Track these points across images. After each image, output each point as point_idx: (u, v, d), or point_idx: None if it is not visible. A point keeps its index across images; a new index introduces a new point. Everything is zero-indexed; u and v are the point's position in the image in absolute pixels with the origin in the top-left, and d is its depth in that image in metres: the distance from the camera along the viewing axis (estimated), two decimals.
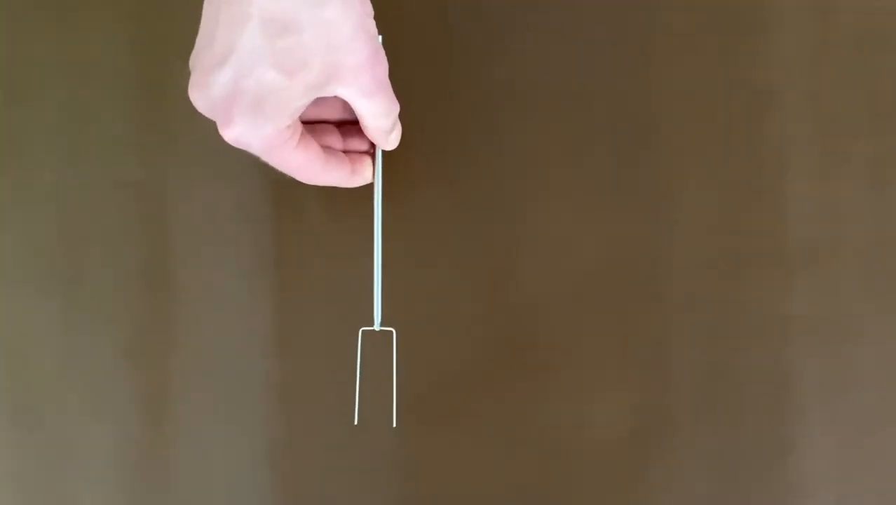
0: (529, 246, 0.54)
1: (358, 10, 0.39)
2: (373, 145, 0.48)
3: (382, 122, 0.44)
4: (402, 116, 0.48)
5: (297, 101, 0.39)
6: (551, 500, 0.53)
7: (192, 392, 0.54)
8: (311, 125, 0.47)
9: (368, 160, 0.47)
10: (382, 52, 0.42)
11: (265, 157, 0.42)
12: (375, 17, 0.43)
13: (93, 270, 0.55)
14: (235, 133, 0.39)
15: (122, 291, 0.54)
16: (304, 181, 0.45)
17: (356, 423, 0.51)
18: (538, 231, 0.54)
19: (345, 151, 0.48)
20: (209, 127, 0.54)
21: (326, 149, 0.45)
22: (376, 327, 0.51)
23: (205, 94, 0.39)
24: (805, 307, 0.53)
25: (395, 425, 0.51)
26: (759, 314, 0.53)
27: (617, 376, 0.53)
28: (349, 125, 0.47)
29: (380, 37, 0.44)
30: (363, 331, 0.51)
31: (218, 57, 0.38)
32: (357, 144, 0.47)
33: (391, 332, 0.51)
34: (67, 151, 0.55)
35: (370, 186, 0.51)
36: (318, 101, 0.42)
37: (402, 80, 0.48)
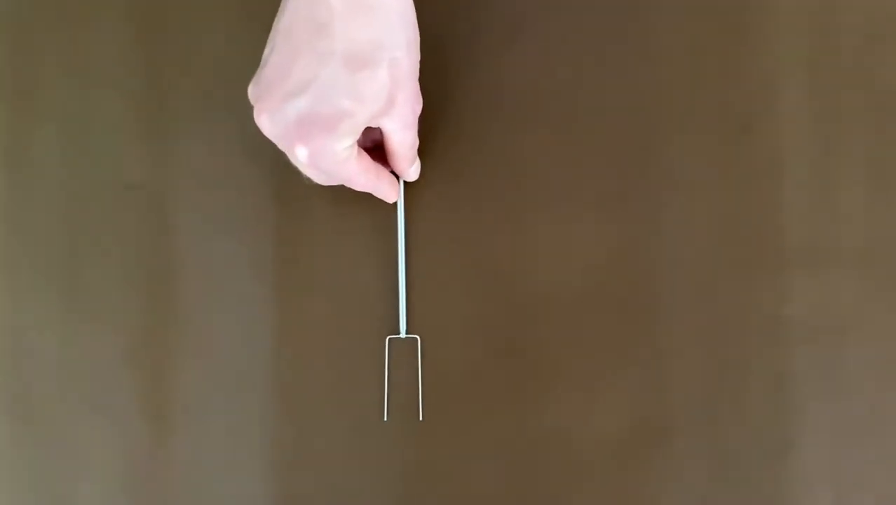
0: (530, 250, 0.54)
1: (415, 54, 0.47)
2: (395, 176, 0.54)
3: (408, 153, 0.51)
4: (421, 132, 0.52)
5: (362, 126, 0.46)
6: (552, 498, 0.53)
7: (194, 393, 0.54)
8: None
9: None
10: (420, 95, 0.48)
11: (330, 171, 0.48)
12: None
13: (95, 270, 0.55)
14: (310, 149, 0.46)
15: (124, 292, 0.55)
16: (358, 188, 0.51)
17: (385, 419, 0.54)
18: (538, 235, 0.54)
19: None
20: (212, 129, 0.55)
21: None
22: (402, 335, 0.53)
23: (277, 119, 0.45)
24: (803, 308, 0.53)
25: (421, 419, 0.54)
26: (758, 315, 0.53)
27: (617, 377, 0.53)
28: (369, 152, 0.52)
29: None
30: (390, 339, 0.54)
31: (294, 86, 0.45)
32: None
33: (416, 339, 0.54)
34: (70, 153, 0.56)
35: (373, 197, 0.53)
36: None
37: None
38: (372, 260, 0.54)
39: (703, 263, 0.53)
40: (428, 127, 0.53)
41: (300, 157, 0.46)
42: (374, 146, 0.52)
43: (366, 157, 0.49)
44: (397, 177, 0.53)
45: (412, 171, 0.53)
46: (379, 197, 0.53)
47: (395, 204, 0.54)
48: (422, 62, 0.48)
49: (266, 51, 0.46)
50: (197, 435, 0.54)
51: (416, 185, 0.54)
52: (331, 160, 0.47)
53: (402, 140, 0.49)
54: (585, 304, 0.54)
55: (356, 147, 0.48)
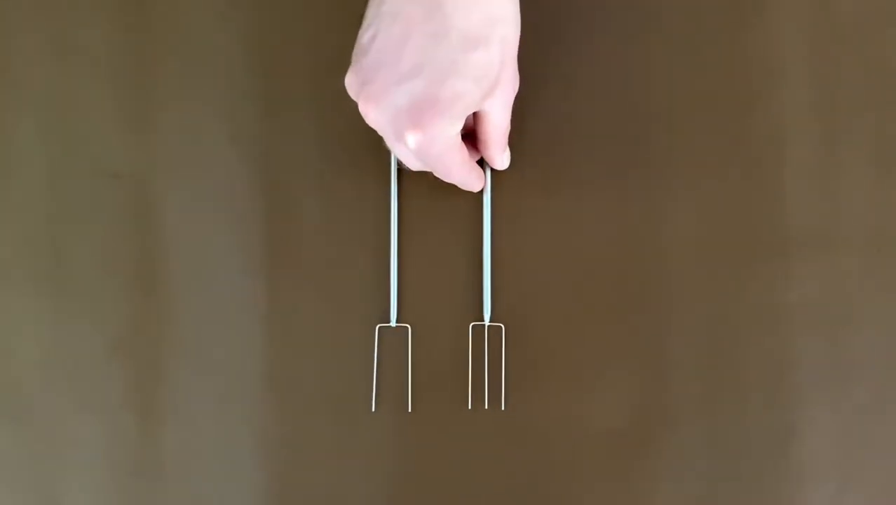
0: (526, 237, 0.53)
1: (518, 31, 0.46)
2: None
3: (502, 139, 0.50)
4: None
5: (472, 108, 0.45)
6: (553, 490, 0.52)
7: (183, 387, 0.54)
8: None
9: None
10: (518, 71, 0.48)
11: (436, 159, 0.47)
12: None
13: (80, 262, 0.54)
14: (424, 135, 0.44)
15: (110, 284, 0.54)
16: (450, 179, 0.50)
17: (373, 410, 0.53)
18: (536, 222, 0.53)
19: None
20: (198, 116, 0.54)
21: None
22: (393, 323, 0.53)
23: (386, 105, 0.44)
24: (806, 294, 0.52)
25: (409, 411, 0.53)
26: (760, 302, 0.53)
27: (616, 367, 0.53)
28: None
29: None
30: (380, 328, 0.53)
31: (407, 71, 0.44)
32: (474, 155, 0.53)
33: (406, 328, 0.53)
34: (54, 143, 0.55)
35: (352, 185, 0.54)
36: None
37: None
38: (363, 247, 0.53)
39: (705, 249, 0.53)
40: None
41: (410, 143, 0.45)
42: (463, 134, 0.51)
43: (465, 151, 0.49)
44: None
45: (504, 158, 0.52)
46: (465, 189, 0.52)
47: (386, 191, 0.53)
48: None
49: (366, 37, 0.45)
50: (186, 428, 0.53)
51: (408, 173, 0.53)
52: (441, 146, 0.46)
53: (499, 123, 0.49)
54: (582, 292, 0.53)
55: (460, 136, 0.47)
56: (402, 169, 0.53)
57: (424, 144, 0.45)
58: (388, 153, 0.53)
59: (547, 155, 0.53)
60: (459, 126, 0.45)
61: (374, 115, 0.45)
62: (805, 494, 0.52)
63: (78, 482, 0.54)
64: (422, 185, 0.53)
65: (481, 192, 0.53)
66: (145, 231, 0.54)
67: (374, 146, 0.53)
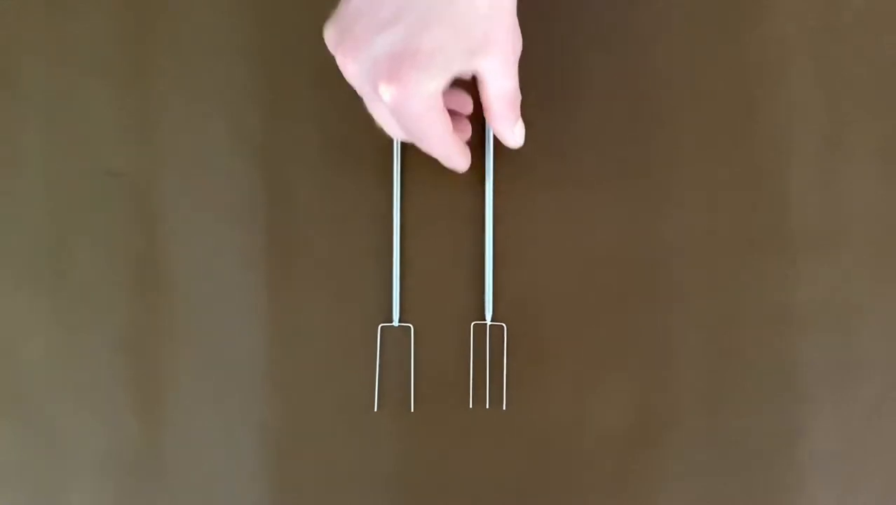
0: (528, 237, 0.53)
1: None
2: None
3: (510, 108, 0.47)
4: None
5: (456, 65, 0.43)
6: (554, 489, 0.52)
7: (186, 385, 0.53)
8: None
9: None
10: (519, 32, 0.46)
11: (414, 122, 0.45)
12: None
13: (83, 261, 0.54)
14: (398, 89, 0.43)
15: (113, 283, 0.54)
16: (432, 148, 0.48)
17: (376, 409, 0.53)
18: (536, 221, 0.53)
19: None
20: (198, 114, 0.54)
21: None
22: (395, 323, 0.53)
23: (363, 56, 0.43)
24: (811, 293, 0.53)
25: (412, 410, 0.53)
26: (765, 301, 0.53)
27: (621, 366, 0.53)
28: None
29: None
30: (382, 327, 0.53)
31: (385, 19, 0.42)
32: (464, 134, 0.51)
33: (409, 327, 0.53)
34: (55, 143, 0.55)
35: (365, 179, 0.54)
36: None
37: None
38: (365, 246, 0.53)
39: (709, 248, 0.53)
40: None
41: (385, 97, 0.43)
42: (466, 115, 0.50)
43: (448, 119, 0.46)
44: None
45: (516, 132, 0.49)
46: (449, 166, 0.49)
47: (388, 190, 0.53)
48: None
49: None
50: (187, 428, 0.53)
51: (410, 172, 0.53)
52: (419, 105, 0.43)
53: (502, 89, 0.46)
54: (585, 291, 0.53)
55: (441, 99, 0.45)
56: (404, 168, 0.53)
57: (400, 99, 0.43)
58: (389, 151, 0.53)
59: (549, 154, 0.53)
60: (439, 83, 0.43)
61: (352, 68, 0.43)
62: (812, 493, 0.52)
63: (78, 482, 0.53)
64: (424, 185, 0.53)
65: (483, 191, 0.53)
66: (147, 231, 0.54)
67: (377, 145, 0.53)
